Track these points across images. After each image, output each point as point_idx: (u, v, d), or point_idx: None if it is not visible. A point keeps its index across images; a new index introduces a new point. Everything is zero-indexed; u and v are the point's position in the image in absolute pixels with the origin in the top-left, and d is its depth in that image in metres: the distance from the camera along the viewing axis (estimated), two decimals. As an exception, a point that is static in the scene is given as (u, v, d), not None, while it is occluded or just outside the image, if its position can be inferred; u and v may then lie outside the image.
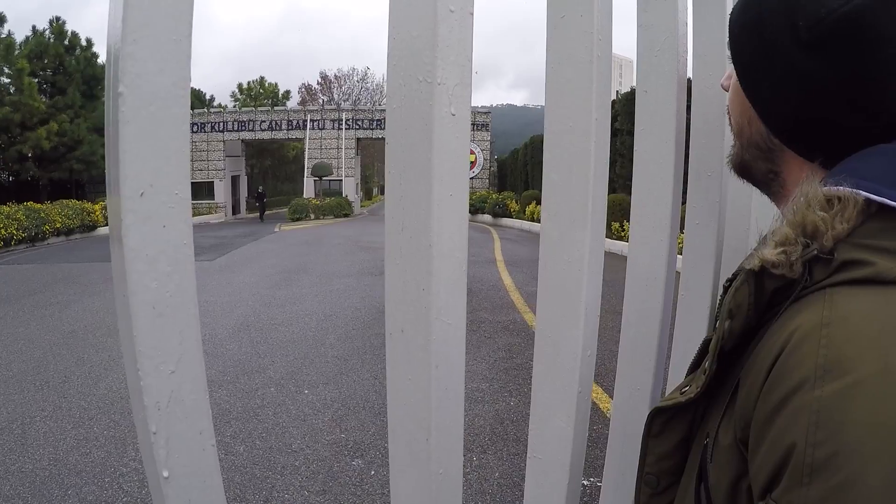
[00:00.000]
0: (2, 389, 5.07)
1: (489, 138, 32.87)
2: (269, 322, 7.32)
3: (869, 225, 0.57)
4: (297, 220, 27.41)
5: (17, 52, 23.64)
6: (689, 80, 1.06)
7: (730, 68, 0.71)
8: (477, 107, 36.41)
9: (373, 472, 3.56)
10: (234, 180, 33.74)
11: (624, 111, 15.12)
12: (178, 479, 0.60)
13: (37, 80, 24.64)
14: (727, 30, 0.71)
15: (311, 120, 32.26)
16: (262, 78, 47.71)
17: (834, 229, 0.57)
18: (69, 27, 26.73)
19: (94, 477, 3.55)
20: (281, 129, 31.87)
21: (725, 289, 0.67)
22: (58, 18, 26.68)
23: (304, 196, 31.11)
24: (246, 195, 35.58)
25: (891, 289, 0.53)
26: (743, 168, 0.75)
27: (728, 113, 0.74)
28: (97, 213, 21.90)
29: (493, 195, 26.30)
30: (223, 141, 31.96)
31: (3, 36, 23.22)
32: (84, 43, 27.25)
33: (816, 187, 0.60)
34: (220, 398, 4.78)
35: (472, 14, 0.61)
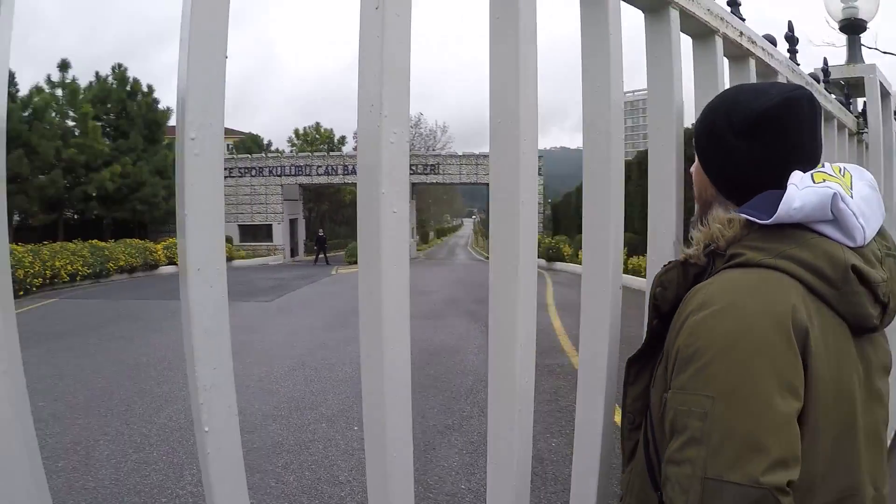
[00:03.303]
0: (69, 414, 5.48)
1: (541, 181, 33.07)
2: (323, 362, 7.60)
3: (752, 234, 0.95)
4: (354, 263, 27.77)
5: (81, 97, 25.00)
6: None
7: (696, 161, 1.10)
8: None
9: (414, 505, 3.73)
10: (293, 223, 34.61)
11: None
12: (215, 433, 0.83)
13: (100, 123, 25.82)
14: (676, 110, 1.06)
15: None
16: (317, 124, 49.11)
17: (725, 236, 0.97)
18: (130, 73, 28.01)
19: (152, 497, 3.86)
20: (337, 174, 32.65)
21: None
22: (120, 65, 27.99)
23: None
24: (304, 238, 36.46)
25: (751, 269, 0.91)
26: (700, 218, 1.08)
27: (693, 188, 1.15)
28: (159, 252, 22.92)
29: (547, 239, 26.35)
30: (281, 185, 32.85)
31: (69, 81, 24.63)
32: (145, 89, 28.46)
33: (722, 211, 1.00)
34: (274, 431, 5.05)
35: (409, 142, 0.87)
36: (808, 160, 0.99)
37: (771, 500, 0.78)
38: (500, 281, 1.01)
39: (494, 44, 1.05)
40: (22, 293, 14.73)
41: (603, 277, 1.15)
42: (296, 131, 48.85)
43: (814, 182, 0.93)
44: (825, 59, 2.93)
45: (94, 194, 25.07)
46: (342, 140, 47.87)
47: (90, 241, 20.45)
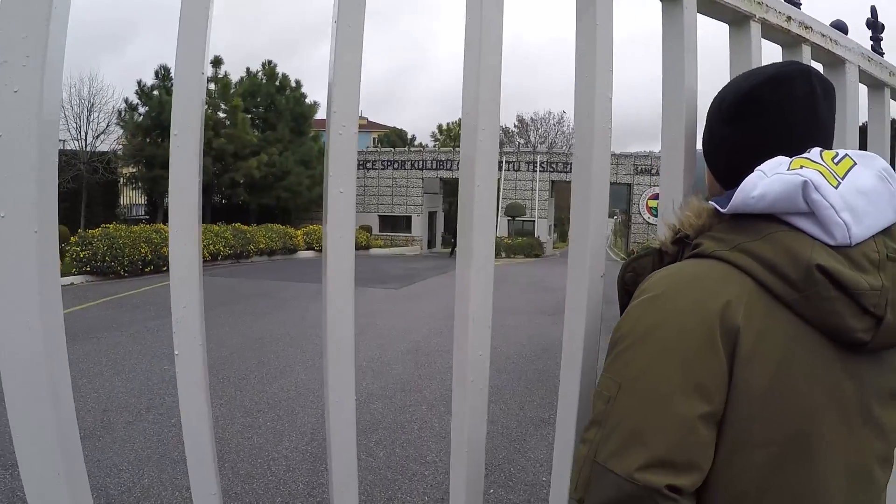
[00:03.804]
0: (187, 381, 6.02)
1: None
2: (436, 348, 7.82)
3: (721, 224, 0.89)
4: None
5: (232, 91, 26.56)
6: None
7: None
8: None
9: (491, 491, 3.82)
10: (431, 216, 35.53)
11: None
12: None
13: (249, 116, 27.52)
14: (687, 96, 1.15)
15: (506, 161, 33.27)
16: (460, 120, 49.81)
17: (693, 225, 0.92)
18: (279, 69, 29.61)
19: (251, 457, 4.22)
20: (477, 169, 33.04)
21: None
22: (270, 62, 29.68)
23: (497, 235, 31.65)
24: (442, 230, 37.25)
25: (702, 260, 0.86)
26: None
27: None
28: (299, 237, 24.27)
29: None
30: (422, 178, 33.86)
31: (221, 76, 26.30)
32: (293, 84, 29.98)
33: (696, 200, 0.95)
34: (375, 409, 5.31)
35: (356, 133, 0.96)
36: (804, 144, 0.89)
37: (647, 499, 0.75)
38: (461, 263, 1.08)
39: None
40: (165, 268, 16.15)
41: (581, 264, 1.18)
42: (439, 126, 49.81)
43: (787, 169, 0.82)
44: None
45: (241, 181, 26.47)
46: (485, 136, 47.90)
47: (234, 224, 21.87)
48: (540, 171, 32.90)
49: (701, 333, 0.78)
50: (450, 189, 38.42)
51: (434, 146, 41.39)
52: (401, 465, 4.19)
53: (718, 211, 0.89)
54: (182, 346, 0.95)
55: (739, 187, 0.84)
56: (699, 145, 1.11)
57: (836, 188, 0.79)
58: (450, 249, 30.64)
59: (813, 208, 0.79)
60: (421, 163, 33.91)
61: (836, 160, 0.84)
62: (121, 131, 24.18)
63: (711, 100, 1.04)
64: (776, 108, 0.91)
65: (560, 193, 39.58)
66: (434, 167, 33.76)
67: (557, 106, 76.82)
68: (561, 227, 54.92)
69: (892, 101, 1.96)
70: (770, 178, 0.82)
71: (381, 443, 4.56)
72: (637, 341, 0.83)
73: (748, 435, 0.79)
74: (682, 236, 0.94)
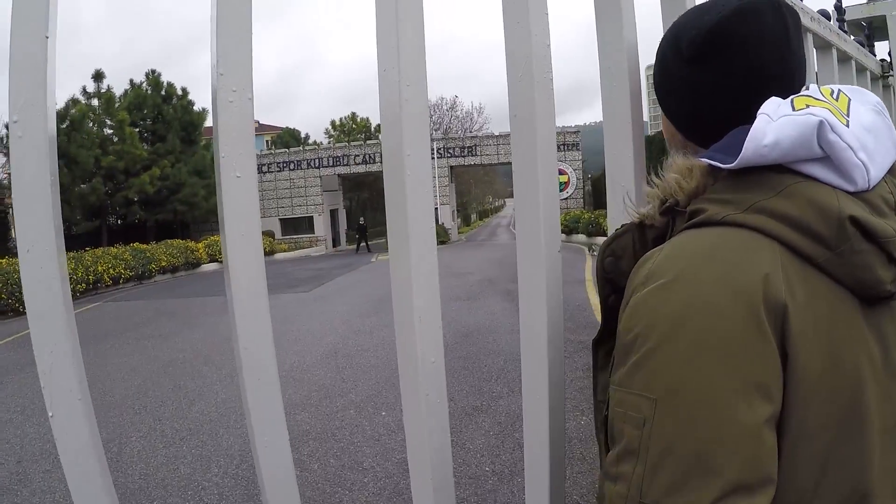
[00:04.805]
0: (103, 413, 5.59)
1: (580, 157, 32.55)
2: (356, 348, 7.61)
3: (719, 184, 0.74)
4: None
5: (117, 105, 25.47)
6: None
7: None
8: (569, 126, 36.34)
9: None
10: (333, 214, 35.03)
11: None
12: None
13: (137, 129, 26.35)
14: (627, 47, 0.89)
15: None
16: (353, 114, 49.39)
17: (684, 189, 0.76)
18: (164, 78, 28.48)
19: (179, 490, 3.90)
20: (375, 163, 32.75)
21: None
22: (153, 71, 28.49)
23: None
24: (345, 228, 36.82)
25: (713, 228, 0.70)
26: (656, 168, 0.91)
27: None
28: (200, 250, 23.45)
29: (587, 214, 25.96)
30: (320, 177, 33.28)
31: (104, 91, 25.11)
32: (180, 92, 28.94)
33: (681, 158, 0.79)
34: (301, 420, 5.06)
35: (252, 100, 0.75)
36: (781, 84, 0.78)
37: None
38: (396, 254, 0.90)
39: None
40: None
41: (534, 240, 1.03)
42: (332, 122, 49.17)
43: (793, 109, 0.70)
44: (839, -8, 2.69)
45: (135, 199, 25.64)
46: (379, 128, 47.87)
47: (132, 244, 21.04)
48: (438, 156, 32.91)
49: (745, 318, 0.63)
50: (349, 185, 38.03)
51: (329, 143, 40.84)
52: (338, 475, 3.98)
53: (713, 167, 0.74)
54: (56, 404, 0.73)
55: (750, 135, 0.69)
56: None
57: (847, 127, 0.68)
58: (356, 246, 30.30)
59: (829, 151, 0.67)
60: (317, 161, 33.37)
61: (833, 96, 0.73)
62: (4, 158, 22.48)
63: (661, 39, 0.89)
64: (747, 44, 0.77)
65: (461, 177, 39.93)
66: (331, 164, 33.32)
67: (449, 92, 77.33)
68: (463, 211, 55.42)
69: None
70: (778, 122, 0.68)
71: (314, 454, 4.34)
72: (663, 341, 0.65)
73: (806, 429, 0.65)
74: (671, 204, 0.78)
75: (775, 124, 0.68)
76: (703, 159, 0.75)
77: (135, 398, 6.06)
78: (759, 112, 0.71)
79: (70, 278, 13.21)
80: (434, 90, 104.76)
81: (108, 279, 17.71)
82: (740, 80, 0.78)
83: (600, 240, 22.47)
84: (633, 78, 1.11)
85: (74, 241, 23.81)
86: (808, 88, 0.75)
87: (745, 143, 0.69)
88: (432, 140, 34.63)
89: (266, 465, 0.81)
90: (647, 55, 1.04)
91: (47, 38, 0.69)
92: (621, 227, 0.87)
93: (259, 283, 0.77)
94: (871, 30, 3.14)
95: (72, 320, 0.78)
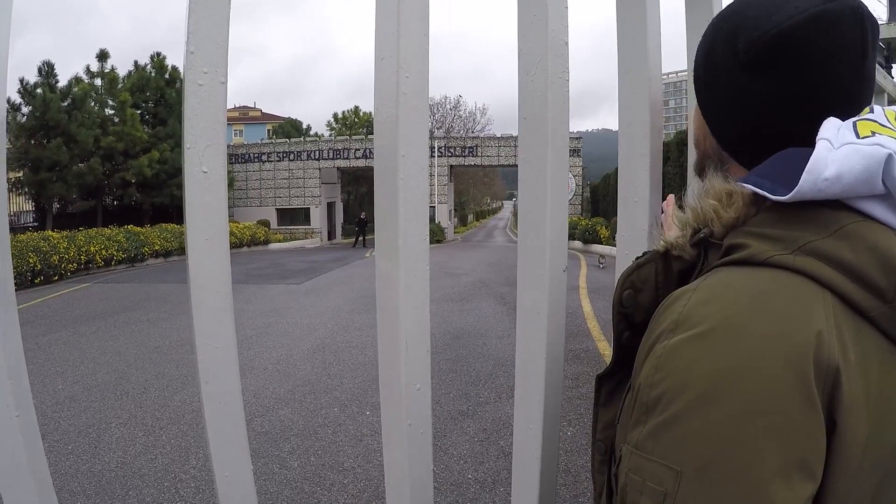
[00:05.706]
0: (84, 397, 5.50)
1: (581, 164, 32.49)
2: (344, 344, 7.52)
3: (762, 215, 0.63)
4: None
5: (120, 86, 25.25)
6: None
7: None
8: (571, 133, 36.25)
9: (416, 496, 3.59)
10: (330, 207, 34.89)
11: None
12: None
13: (139, 111, 26.14)
14: (650, 50, 0.77)
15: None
16: (356, 107, 49.21)
17: (722, 218, 0.65)
18: (169, 62, 28.24)
19: (156, 481, 3.80)
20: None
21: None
22: (158, 54, 28.17)
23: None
24: (342, 221, 36.70)
25: (759, 268, 0.59)
26: (702, 174, 0.80)
27: (691, 128, 0.84)
28: (195, 236, 23.31)
29: (584, 221, 25.91)
30: (319, 169, 33.16)
31: (107, 71, 24.86)
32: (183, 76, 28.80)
33: (720, 181, 0.68)
34: (284, 415, 4.96)
35: (225, 84, 0.65)
36: (851, 104, 0.65)
37: None
38: (384, 268, 0.80)
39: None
40: (56, 278, 15.12)
41: (538, 258, 0.93)
42: (335, 115, 49.03)
43: (857, 136, 0.59)
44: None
45: (132, 181, 25.38)
46: (381, 123, 47.69)
47: (126, 226, 20.92)
48: (438, 155, 32.82)
49: (796, 386, 0.53)
50: (348, 178, 37.88)
51: (330, 135, 40.71)
52: (317, 474, 3.88)
53: (759, 196, 0.63)
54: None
55: (809, 165, 0.58)
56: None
57: None
58: (353, 240, 30.19)
59: (894, 190, 0.57)
60: (318, 153, 33.26)
61: None
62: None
63: (710, 25, 0.75)
64: (821, 58, 0.64)
65: (460, 177, 39.85)
66: (331, 157, 33.21)
67: (454, 91, 77.42)
68: (461, 211, 55.40)
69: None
70: (840, 150, 0.58)
71: (294, 452, 4.24)
72: (697, 405, 0.54)
73: (846, 493, 0.56)
74: (705, 235, 0.67)
75: (837, 154, 0.58)
76: (747, 186, 0.64)
77: (117, 383, 5.95)
78: (818, 137, 0.60)
79: (62, 257, 13.10)
80: (438, 87, 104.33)
81: (100, 260, 17.57)
82: (806, 97, 0.65)
83: (596, 247, 22.51)
84: (655, 85, 1.02)
85: (69, 219, 23.66)
86: (872, 111, 0.64)
87: (804, 174, 0.58)
88: (433, 138, 34.63)
89: (225, 496, 0.72)
90: (668, 61, 0.95)
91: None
92: (643, 255, 0.75)
93: (224, 297, 0.68)
94: (891, 51, 3.06)
95: (14, 319, 0.68)
